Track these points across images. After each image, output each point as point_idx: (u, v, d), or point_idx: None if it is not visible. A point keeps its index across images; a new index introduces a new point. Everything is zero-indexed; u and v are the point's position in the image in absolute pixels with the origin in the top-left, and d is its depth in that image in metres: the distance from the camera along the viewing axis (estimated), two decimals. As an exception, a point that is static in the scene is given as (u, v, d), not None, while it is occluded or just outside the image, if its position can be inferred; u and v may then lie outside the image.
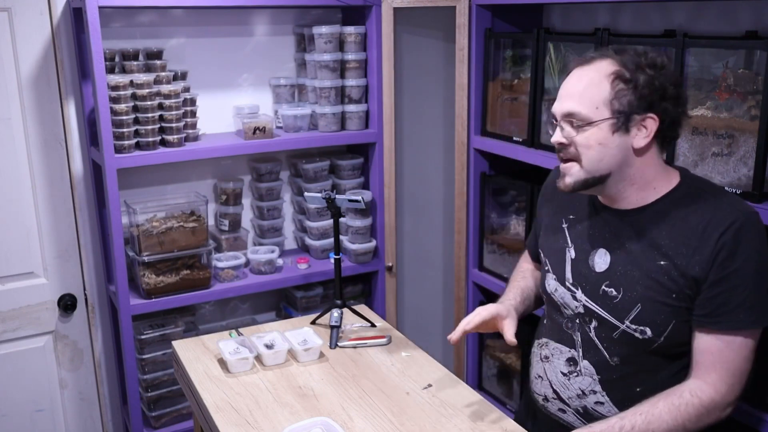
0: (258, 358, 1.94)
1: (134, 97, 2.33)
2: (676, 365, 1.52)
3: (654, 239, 1.49)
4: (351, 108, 2.65)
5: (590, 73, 1.47)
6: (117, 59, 2.42)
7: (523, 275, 1.87)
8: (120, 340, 2.48)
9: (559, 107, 1.49)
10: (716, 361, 1.44)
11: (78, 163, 2.53)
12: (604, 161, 1.46)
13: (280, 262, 2.68)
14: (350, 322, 2.18)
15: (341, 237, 2.75)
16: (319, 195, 2.17)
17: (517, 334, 1.65)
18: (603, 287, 1.53)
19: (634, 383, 1.52)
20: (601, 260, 1.56)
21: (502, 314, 1.68)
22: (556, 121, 1.51)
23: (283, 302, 2.89)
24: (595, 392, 1.56)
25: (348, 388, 1.82)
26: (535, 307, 1.83)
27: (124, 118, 2.30)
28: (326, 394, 1.79)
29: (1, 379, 2.52)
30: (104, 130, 2.24)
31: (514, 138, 2.43)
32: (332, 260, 2.23)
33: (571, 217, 1.65)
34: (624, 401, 1.51)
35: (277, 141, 2.55)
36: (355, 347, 2.04)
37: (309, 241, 2.77)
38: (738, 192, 1.72)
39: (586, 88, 1.46)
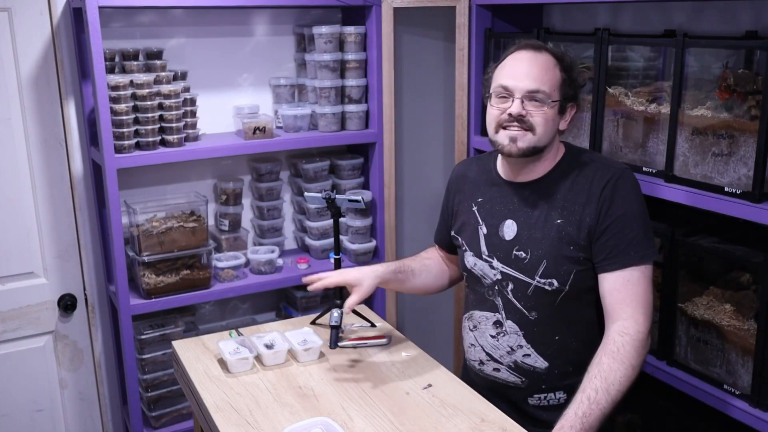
0: (258, 358, 1.94)
1: (134, 97, 2.33)
2: (582, 311, 1.75)
3: (551, 202, 1.73)
4: (351, 108, 2.65)
5: (542, 59, 1.69)
6: (117, 59, 2.42)
7: (419, 258, 2.08)
8: (120, 340, 2.48)
9: (522, 84, 1.67)
10: (625, 297, 1.65)
11: (78, 163, 2.53)
12: (549, 135, 1.70)
13: (280, 262, 2.68)
14: (350, 322, 2.18)
15: (341, 237, 2.75)
16: (319, 195, 2.17)
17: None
18: (514, 252, 1.76)
19: (553, 332, 1.75)
20: (509, 230, 1.78)
21: (359, 283, 1.89)
22: (511, 95, 1.68)
23: (283, 302, 2.89)
24: (521, 346, 1.77)
25: (348, 388, 1.83)
26: (410, 286, 2.02)
27: (124, 118, 2.30)
28: (326, 394, 1.79)
29: (1, 379, 2.52)
30: (104, 130, 2.24)
31: (514, 138, 2.43)
32: (332, 260, 2.23)
33: (479, 200, 1.87)
34: (547, 350, 1.75)
35: (277, 141, 2.55)
36: (355, 347, 2.04)
37: (309, 241, 2.77)
38: (738, 192, 1.73)
39: (545, 72, 1.68)
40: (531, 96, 1.67)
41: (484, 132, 2.59)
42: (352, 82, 2.63)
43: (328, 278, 1.93)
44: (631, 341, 1.61)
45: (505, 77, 1.70)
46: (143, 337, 2.48)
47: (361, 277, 1.90)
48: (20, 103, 2.39)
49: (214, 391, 1.82)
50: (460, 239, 1.91)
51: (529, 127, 1.68)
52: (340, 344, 2.04)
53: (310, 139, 2.60)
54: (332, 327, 2.07)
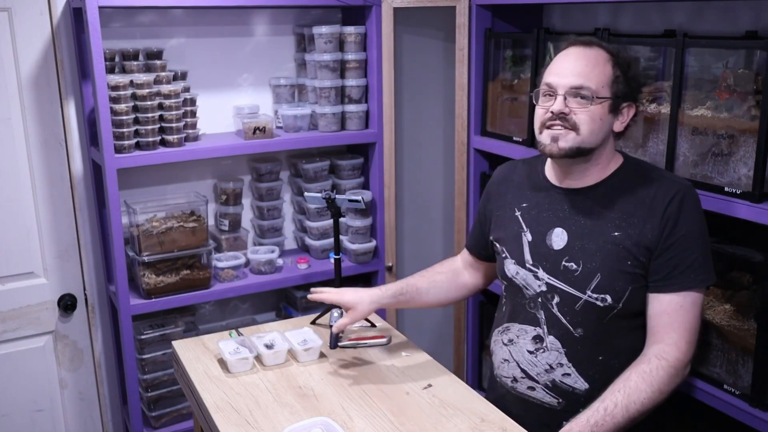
0: (258, 358, 1.94)
1: (134, 97, 2.33)
2: (633, 332, 1.65)
3: (606, 213, 1.63)
4: (351, 108, 2.65)
5: (591, 54, 1.60)
6: (117, 59, 2.42)
7: (429, 273, 1.99)
8: (120, 340, 2.48)
9: (565, 81, 1.58)
10: (674, 321, 1.57)
11: (78, 163, 2.53)
12: (596, 135, 1.60)
13: (280, 262, 2.68)
14: (350, 322, 2.18)
15: (341, 237, 2.75)
16: (319, 195, 2.17)
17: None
18: (563, 263, 1.65)
19: (598, 352, 1.64)
20: (558, 238, 1.67)
21: (353, 306, 1.86)
22: (555, 93, 1.60)
23: (283, 302, 2.89)
24: (561, 365, 1.66)
25: (348, 388, 1.82)
26: (418, 304, 1.97)
27: (124, 118, 2.30)
28: (326, 394, 1.79)
29: (1, 379, 2.52)
30: (104, 130, 2.24)
31: (514, 138, 2.43)
32: (332, 260, 2.23)
33: (524, 205, 1.76)
34: (589, 371, 1.65)
35: (277, 141, 2.55)
36: (355, 347, 2.04)
37: (309, 241, 2.77)
38: (738, 192, 1.72)
39: (593, 67, 1.58)
40: (574, 92, 1.58)
41: (484, 132, 2.60)
42: (352, 82, 2.63)
43: (326, 294, 1.92)
44: (667, 367, 1.55)
45: (550, 74, 1.62)
46: (143, 337, 2.48)
47: (357, 301, 1.87)
48: (20, 103, 2.39)
49: (214, 391, 1.82)
50: (499, 246, 1.80)
51: (572, 126, 1.58)
52: (340, 344, 2.04)
53: (310, 139, 2.60)
54: (332, 327, 2.07)
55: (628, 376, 1.55)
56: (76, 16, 2.37)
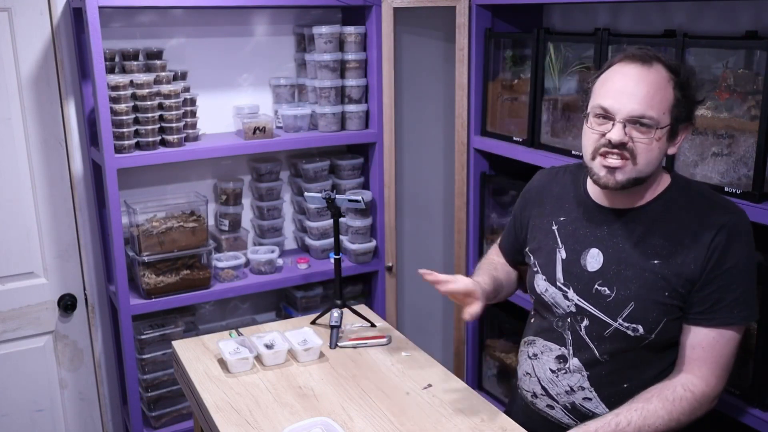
0: (258, 358, 1.94)
1: (134, 97, 2.33)
2: (662, 361, 1.57)
3: (648, 238, 1.53)
4: (351, 108, 2.65)
5: (652, 76, 1.45)
6: (117, 59, 2.42)
7: (495, 267, 1.87)
8: (120, 340, 2.47)
9: (626, 108, 1.44)
10: (708, 355, 1.49)
11: (78, 163, 2.53)
12: (653, 163, 1.48)
13: (280, 262, 2.68)
14: (350, 322, 2.18)
15: (341, 237, 2.75)
16: (319, 195, 2.17)
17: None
18: (596, 286, 1.56)
19: (622, 379, 1.56)
20: (594, 260, 1.58)
21: (475, 295, 1.66)
22: (612, 118, 1.46)
23: (283, 302, 2.89)
24: (583, 388, 1.59)
25: (348, 388, 1.82)
26: (500, 299, 1.85)
27: (124, 118, 2.30)
28: (326, 394, 1.79)
29: (1, 379, 2.52)
30: (104, 130, 2.24)
31: (514, 138, 2.43)
32: (332, 260, 2.23)
33: (561, 219, 1.67)
34: (611, 397, 1.57)
35: (277, 141, 2.55)
36: (355, 347, 2.04)
37: (309, 241, 2.77)
38: (738, 192, 1.72)
39: (655, 93, 1.44)
40: (636, 120, 1.44)
41: (484, 132, 2.60)
42: (352, 82, 2.63)
43: (451, 286, 1.67)
44: (692, 400, 1.49)
45: (607, 96, 1.46)
46: (143, 337, 2.48)
47: (479, 290, 1.67)
48: (20, 103, 2.39)
49: (214, 391, 1.82)
50: (532, 258, 1.71)
51: (630, 156, 1.45)
52: (340, 344, 2.04)
53: (310, 139, 2.60)
54: (332, 327, 2.07)
55: (648, 398, 1.49)
56: (76, 16, 2.37)
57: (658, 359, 1.56)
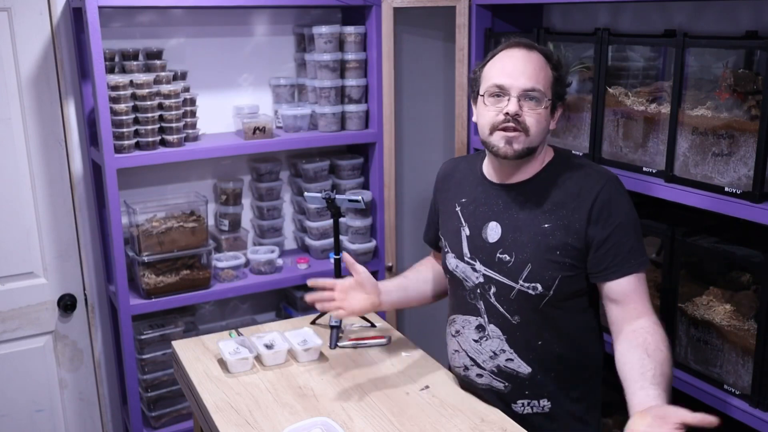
0: (258, 358, 1.94)
1: (134, 97, 2.33)
2: (566, 317, 1.72)
3: (538, 206, 1.70)
4: (351, 108, 2.65)
5: (534, 58, 1.66)
6: (117, 59, 2.42)
7: (416, 269, 2.07)
8: (120, 340, 2.47)
9: (518, 83, 1.63)
10: (636, 297, 1.64)
11: (78, 163, 2.53)
12: (542, 135, 1.68)
13: (280, 262, 2.68)
14: (350, 322, 2.18)
15: (341, 237, 2.75)
16: (319, 195, 2.17)
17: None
18: (498, 255, 1.72)
19: (535, 337, 1.71)
20: (493, 232, 1.74)
21: (366, 288, 1.87)
22: (507, 93, 1.64)
23: (283, 302, 2.89)
24: (504, 351, 1.74)
25: (348, 388, 1.82)
26: (415, 302, 2.04)
27: (124, 118, 2.30)
28: (326, 394, 1.79)
29: (1, 379, 2.52)
30: (104, 130, 2.24)
31: (514, 138, 2.43)
32: (332, 260, 2.22)
33: (463, 200, 1.83)
34: (529, 355, 1.72)
35: (277, 141, 2.55)
36: (355, 347, 2.04)
37: (309, 241, 2.77)
38: (738, 192, 1.72)
39: (539, 71, 1.65)
40: (527, 95, 1.63)
41: (484, 132, 2.60)
42: (352, 82, 2.63)
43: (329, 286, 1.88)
44: (662, 333, 1.60)
45: (501, 76, 1.65)
46: (143, 337, 2.48)
47: (377, 289, 1.90)
48: (20, 103, 2.39)
49: (214, 391, 1.82)
50: (443, 240, 1.87)
51: (523, 128, 1.64)
52: (340, 344, 2.04)
53: (310, 139, 2.60)
54: (332, 327, 2.07)
55: (637, 352, 1.55)
56: (76, 16, 2.37)
57: (562, 315, 1.71)
